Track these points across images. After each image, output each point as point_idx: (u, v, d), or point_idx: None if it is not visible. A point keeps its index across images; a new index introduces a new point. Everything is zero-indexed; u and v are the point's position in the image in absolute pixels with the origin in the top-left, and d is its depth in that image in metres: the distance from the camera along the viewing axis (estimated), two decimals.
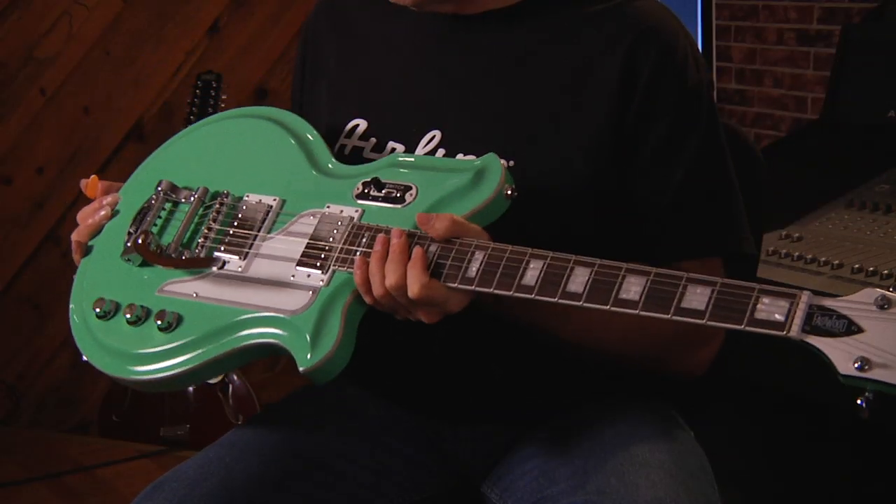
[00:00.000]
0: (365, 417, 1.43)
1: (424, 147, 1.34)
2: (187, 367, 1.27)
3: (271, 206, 1.33)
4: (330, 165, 1.36)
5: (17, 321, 3.11)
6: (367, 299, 1.20)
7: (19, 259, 3.09)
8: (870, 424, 1.89)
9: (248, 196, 1.36)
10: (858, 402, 1.01)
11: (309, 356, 1.20)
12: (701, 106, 1.32)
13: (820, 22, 3.05)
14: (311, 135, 1.39)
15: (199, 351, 1.28)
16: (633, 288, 1.10)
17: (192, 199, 1.38)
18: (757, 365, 1.92)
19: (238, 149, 1.44)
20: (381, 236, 1.21)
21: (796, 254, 2.01)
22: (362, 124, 1.40)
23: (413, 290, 1.15)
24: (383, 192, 1.29)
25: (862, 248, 2.02)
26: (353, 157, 1.38)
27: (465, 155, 1.32)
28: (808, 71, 3.10)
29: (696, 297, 1.07)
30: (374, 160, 1.36)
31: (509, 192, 1.24)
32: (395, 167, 1.31)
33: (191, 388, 2.91)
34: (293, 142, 1.39)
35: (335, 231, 1.27)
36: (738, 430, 2.16)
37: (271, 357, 2.99)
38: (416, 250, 1.18)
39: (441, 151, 1.33)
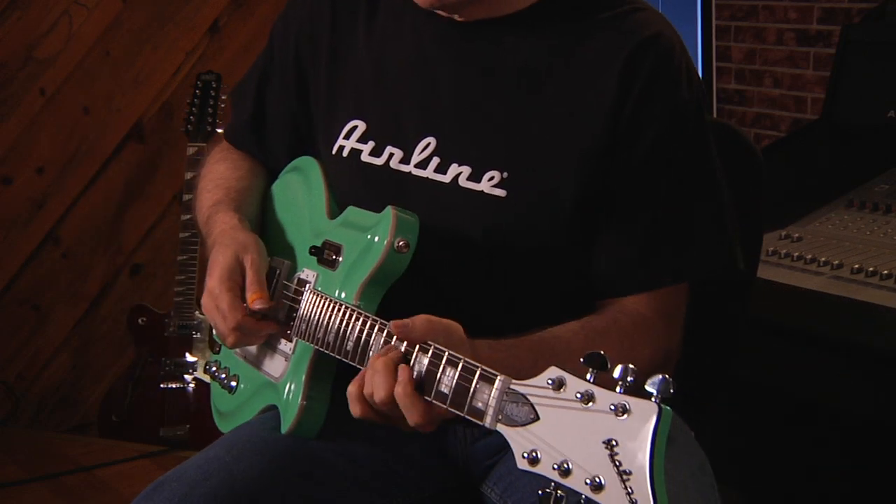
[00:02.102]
0: None
1: (420, 154, 1.34)
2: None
3: (278, 272, 1.40)
4: (319, 219, 1.39)
5: (17, 321, 3.10)
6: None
7: (19, 259, 3.09)
8: (870, 424, 1.89)
9: (272, 260, 1.41)
10: (539, 493, 0.92)
11: (283, 422, 1.32)
12: (689, 122, 1.31)
13: (820, 22, 3.05)
14: (318, 184, 1.43)
15: (243, 413, 1.43)
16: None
17: None
18: (757, 365, 1.92)
19: (280, 209, 1.50)
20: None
21: (796, 254, 2.01)
22: (361, 126, 1.39)
23: (412, 419, 1.12)
24: (323, 256, 1.34)
25: (862, 248, 2.02)
26: (352, 159, 1.38)
27: (459, 165, 1.31)
28: (808, 71, 3.10)
29: (446, 380, 1.07)
30: (372, 164, 1.36)
31: (401, 245, 1.24)
32: (343, 226, 1.35)
33: (190, 388, 2.92)
34: (304, 196, 1.44)
35: (300, 298, 1.33)
36: (738, 430, 2.16)
37: None
38: (403, 371, 1.12)
39: (436, 160, 1.33)
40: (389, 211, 1.26)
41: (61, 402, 3.21)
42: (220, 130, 2.85)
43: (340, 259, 1.32)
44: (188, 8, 3.19)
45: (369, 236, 1.27)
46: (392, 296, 1.28)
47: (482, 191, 1.30)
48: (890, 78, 2.45)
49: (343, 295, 1.28)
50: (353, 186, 1.39)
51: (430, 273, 1.29)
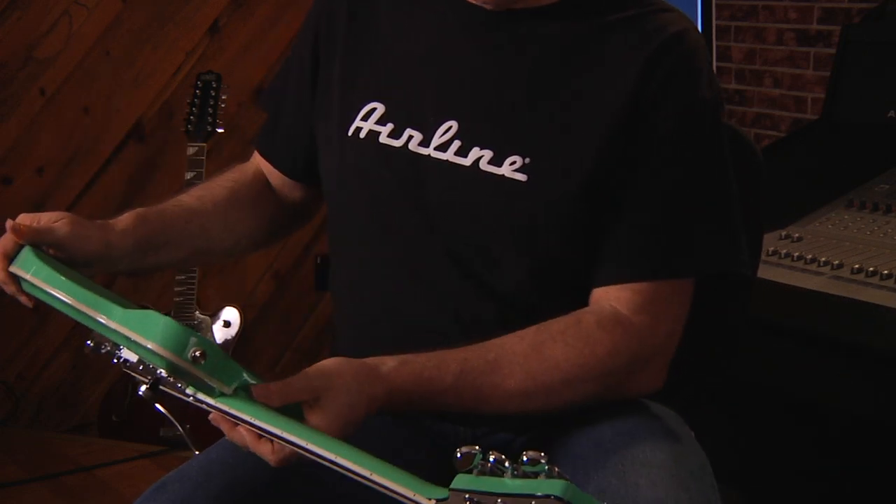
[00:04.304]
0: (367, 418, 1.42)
1: (441, 137, 1.34)
2: None
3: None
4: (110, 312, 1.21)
5: (17, 321, 3.10)
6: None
7: None
8: (870, 424, 1.89)
9: (120, 350, 1.25)
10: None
11: None
12: (704, 120, 1.31)
13: (820, 22, 3.05)
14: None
15: None
16: None
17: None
18: (757, 365, 1.92)
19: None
20: None
21: (796, 254, 2.01)
22: (379, 108, 1.39)
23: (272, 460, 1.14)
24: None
25: (862, 248, 2.02)
26: (369, 140, 1.38)
27: (481, 148, 1.31)
28: (808, 71, 3.10)
29: None
30: (390, 146, 1.35)
31: (196, 355, 1.08)
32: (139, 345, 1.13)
33: None
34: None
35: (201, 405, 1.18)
36: (738, 430, 2.16)
37: (272, 356, 3.00)
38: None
39: (457, 143, 1.33)
40: (153, 348, 1.09)
41: (61, 402, 3.21)
42: (220, 130, 2.86)
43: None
44: (188, 8, 3.20)
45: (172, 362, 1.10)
46: (415, 278, 1.29)
47: (503, 175, 1.30)
48: (890, 78, 2.46)
49: (223, 392, 1.14)
50: (369, 167, 1.39)
51: (447, 255, 1.31)
